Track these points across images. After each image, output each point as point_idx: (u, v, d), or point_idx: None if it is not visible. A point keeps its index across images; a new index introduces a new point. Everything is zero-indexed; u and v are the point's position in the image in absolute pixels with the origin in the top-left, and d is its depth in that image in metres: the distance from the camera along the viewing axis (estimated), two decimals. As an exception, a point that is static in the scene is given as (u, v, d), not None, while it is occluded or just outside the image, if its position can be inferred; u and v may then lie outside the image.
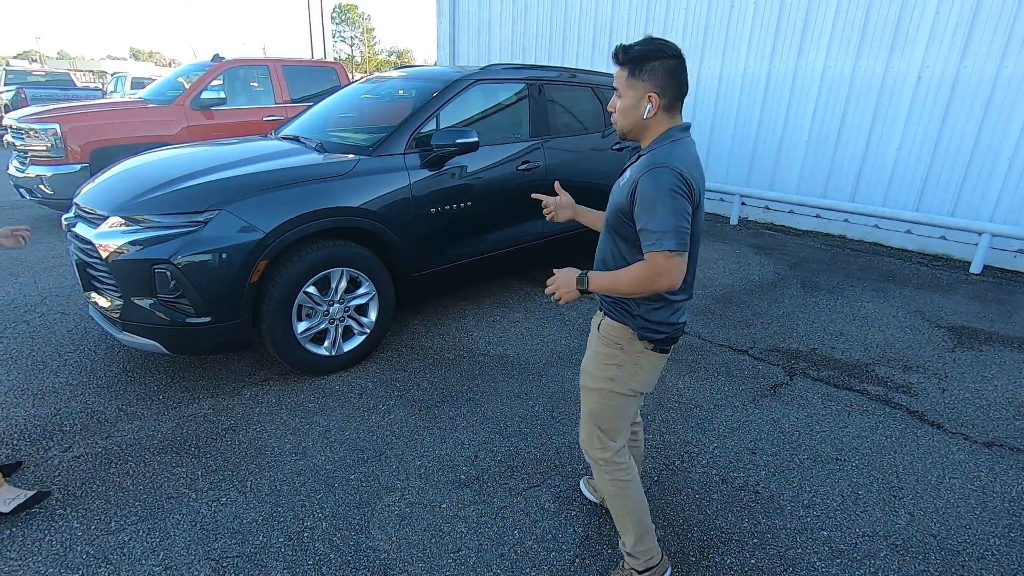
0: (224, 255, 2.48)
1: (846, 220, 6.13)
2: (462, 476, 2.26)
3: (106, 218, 2.57)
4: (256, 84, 7.04)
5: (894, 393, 3.01)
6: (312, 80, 7.05)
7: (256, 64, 6.81)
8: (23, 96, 12.76)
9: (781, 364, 3.30)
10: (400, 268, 3.13)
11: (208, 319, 2.53)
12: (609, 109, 1.55)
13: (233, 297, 2.54)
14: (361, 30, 62.95)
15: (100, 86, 19.57)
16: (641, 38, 1.51)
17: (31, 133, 5.34)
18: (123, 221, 2.53)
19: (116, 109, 5.84)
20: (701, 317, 3.92)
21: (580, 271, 1.48)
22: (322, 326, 2.89)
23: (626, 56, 1.48)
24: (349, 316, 3.00)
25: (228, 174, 2.69)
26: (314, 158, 3.01)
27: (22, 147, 5.47)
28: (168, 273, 2.44)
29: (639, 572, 1.71)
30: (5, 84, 14.38)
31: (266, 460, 2.31)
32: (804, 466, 2.39)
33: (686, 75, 1.49)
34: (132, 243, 2.46)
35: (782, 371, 3.22)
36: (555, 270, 1.52)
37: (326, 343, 2.93)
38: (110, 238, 2.51)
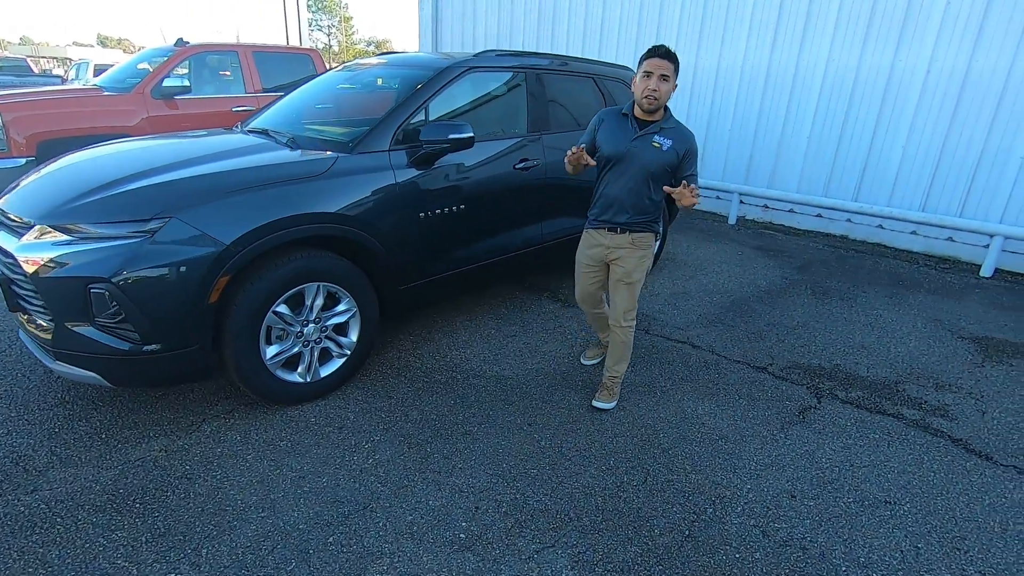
0: (176, 272, 2.08)
1: (849, 220, 5.90)
2: (462, 535, 1.92)
3: (32, 226, 2.15)
4: (227, 73, 6.55)
5: (932, 417, 2.75)
6: (286, 68, 6.56)
7: (225, 50, 6.31)
8: (-26, 83, 11.98)
9: (805, 384, 3.01)
10: (385, 280, 2.76)
11: (157, 347, 2.14)
12: (655, 87, 2.25)
13: (187, 321, 2.15)
14: (338, 19, 61.51)
15: (62, 74, 18.58)
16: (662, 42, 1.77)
17: (-31, 123, 4.80)
18: (52, 230, 2.11)
19: (67, 97, 5.31)
20: (713, 328, 3.62)
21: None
22: (295, 349, 2.51)
23: (673, 54, 2.26)
24: (327, 337, 2.62)
25: (181, 174, 2.28)
26: (285, 156, 2.61)
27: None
28: (107, 294, 2.03)
29: (618, 382, 2.71)
30: (-45, 69, 13.48)
31: (227, 519, 1.94)
32: (851, 512, 2.10)
33: None
34: (63, 257, 2.05)
35: (808, 392, 2.93)
36: (684, 183, 2.14)
37: (300, 368, 2.55)
38: (36, 251, 2.09)
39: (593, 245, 2.54)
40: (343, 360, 2.70)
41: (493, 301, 3.86)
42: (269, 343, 2.44)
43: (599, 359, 3.06)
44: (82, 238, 2.08)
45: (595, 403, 2.68)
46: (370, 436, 2.41)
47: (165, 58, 5.85)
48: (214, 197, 2.19)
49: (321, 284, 2.49)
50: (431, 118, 2.93)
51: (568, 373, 3.01)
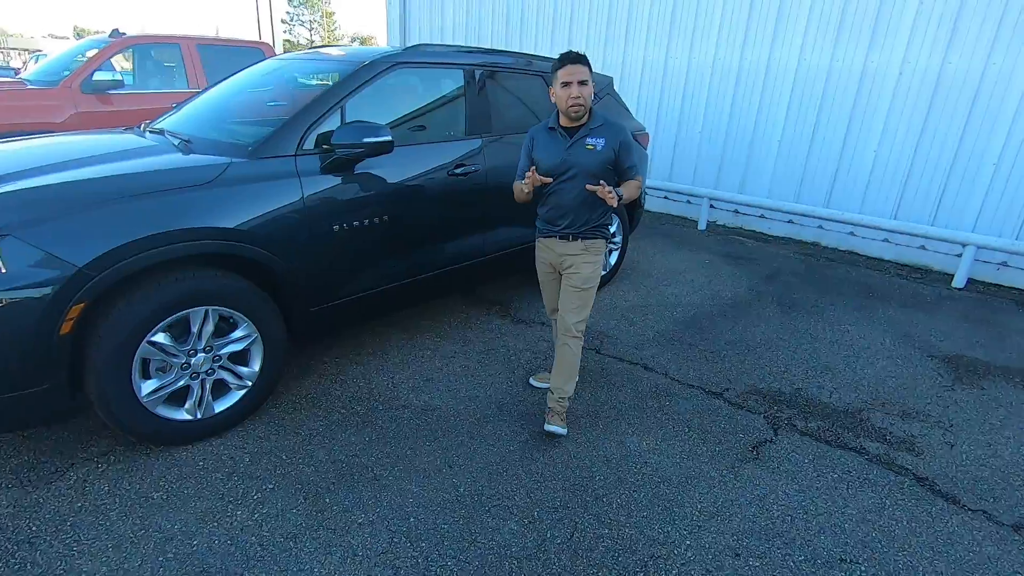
0: (14, 299, 1.76)
1: (820, 227, 5.70)
2: (344, 616, 1.62)
3: None
4: (172, 64, 6.16)
5: (897, 452, 2.51)
6: (233, 62, 6.13)
7: (165, 42, 5.91)
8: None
9: (763, 412, 2.76)
10: (293, 302, 2.45)
11: (-5, 388, 1.81)
12: (577, 94, 2.19)
13: (32, 356, 1.82)
14: (320, 14, 60.54)
15: (20, 66, 17.83)
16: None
17: None
18: None
19: (-15, 91, 4.90)
20: (669, 348, 3.36)
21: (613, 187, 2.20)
22: (180, 383, 2.19)
23: (584, 57, 2.23)
24: (221, 367, 2.30)
25: (27, 183, 1.95)
26: (169, 160, 2.29)
27: None
28: (-74, 327, 1.71)
29: (566, 404, 2.48)
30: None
31: (62, 599, 1.63)
32: (802, 574, 1.84)
33: None
34: None
35: (765, 422, 2.68)
36: (602, 184, 2.14)
37: (188, 404, 2.23)
38: None
39: (546, 252, 2.49)
40: (243, 392, 2.39)
41: (436, 317, 3.56)
42: (147, 377, 2.12)
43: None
44: (-101, 260, 1.75)
45: (548, 427, 2.42)
46: (262, 484, 2.11)
47: (98, 50, 5.45)
48: (65, 211, 1.86)
49: (210, 308, 2.17)
50: (351, 119, 2.62)
51: (503, 401, 2.72)
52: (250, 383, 2.39)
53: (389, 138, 2.44)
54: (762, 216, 6.09)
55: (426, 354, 3.14)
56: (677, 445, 2.47)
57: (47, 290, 1.79)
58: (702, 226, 6.23)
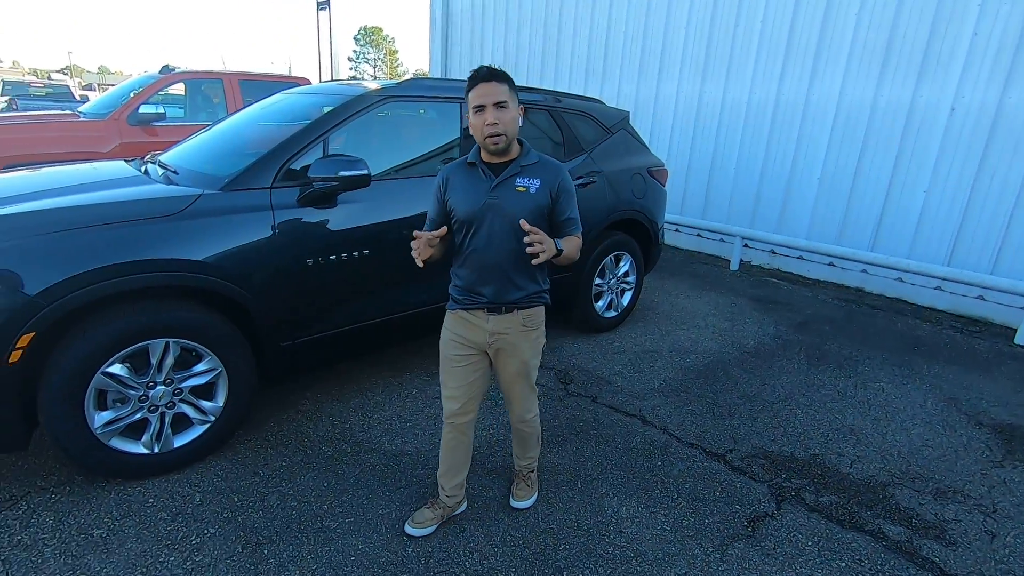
0: (-40, 327, 1.76)
1: (864, 271, 5.27)
2: None
3: None
4: (216, 99, 6.49)
5: (923, 539, 2.16)
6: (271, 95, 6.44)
7: (209, 77, 6.24)
8: (15, 106, 12.56)
9: (768, 480, 2.46)
10: (264, 336, 2.39)
11: (-59, 414, 1.81)
12: (493, 121, 1.69)
13: (-22, 384, 1.82)
14: (384, 52, 63.71)
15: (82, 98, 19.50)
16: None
17: (-63, 146, 4.78)
18: None
19: (39, 122, 5.27)
20: (673, 400, 3.10)
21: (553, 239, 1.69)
22: (137, 416, 2.15)
23: (500, 73, 1.73)
24: (182, 400, 2.25)
25: (-7, 212, 1.98)
26: (143, 191, 2.30)
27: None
28: None
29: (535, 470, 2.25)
30: (1, 94, 14.23)
31: (-35, 643, 1.56)
32: None
33: None
34: None
35: (768, 492, 2.38)
36: (535, 230, 1.60)
37: (144, 437, 2.18)
38: None
39: (467, 329, 1.88)
40: (205, 427, 2.32)
41: (426, 354, 3.44)
42: (103, 408, 2.08)
43: (434, 527, 2.05)
44: None
45: (515, 503, 2.19)
46: (205, 528, 2.01)
47: (147, 85, 5.80)
48: (23, 239, 1.87)
49: (171, 340, 2.13)
50: (337, 151, 2.59)
51: (480, 449, 2.55)
52: (213, 418, 2.33)
53: (366, 172, 2.38)
54: (800, 258, 5.71)
55: (411, 394, 3.01)
56: (661, 514, 2.22)
57: (-4, 318, 1.79)
58: (734, 266, 5.91)
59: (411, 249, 1.69)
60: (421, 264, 1.69)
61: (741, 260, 5.96)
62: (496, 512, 2.17)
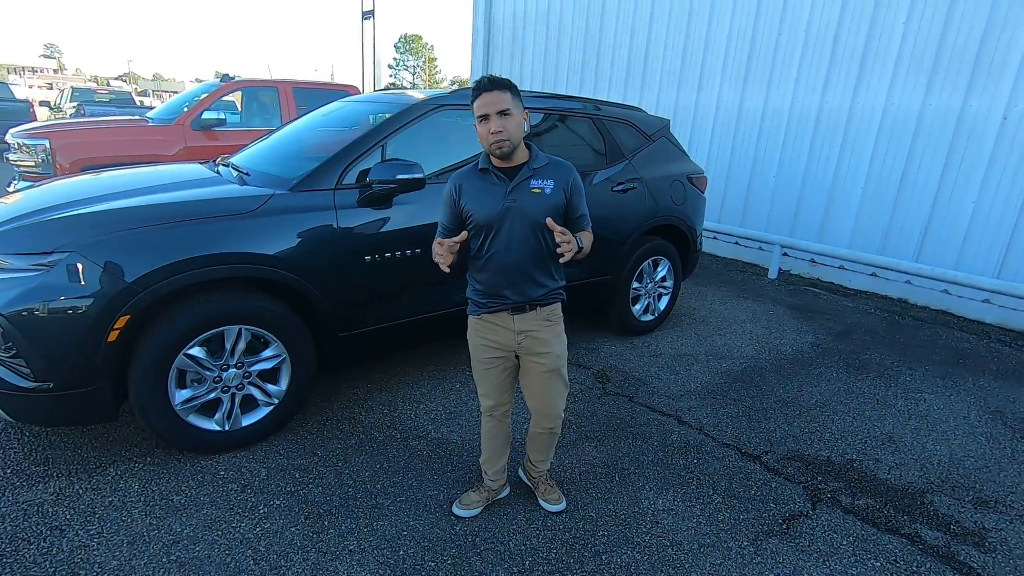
0: (69, 308, 1.99)
1: (908, 282, 5.19)
2: (312, 642, 1.63)
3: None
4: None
5: (961, 545, 2.18)
6: (323, 102, 6.73)
7: (266, 85, 6.59)
8: (83, 112, 13.41)
9: (804, 481, 2.51)
10: (324, 327, 2.58)
11: (50, 384, 2.04)
12: (499, 128, 1.75)
13: (82, 360, 2.04)
14: (424, 59, 64.94)
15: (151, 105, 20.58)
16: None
17: (23, 148, 5.21)
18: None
19: (112, 127, 5.68)
20: (710, 401, 3.16)
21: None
22: (212, 395, 2.36)
23: (502, 81, 1.77)
24: (251, 383, 2.45)
25: (95, 208, 2.22)
26: (221, 191, 2.53)
27: (15, 162, 5.36)
28: (0, 328, 1.97)
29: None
30: (71, 101, 15.22)
31: (71, 586, 1.76)
32: (813, 672, 1.63)
33: None
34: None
35: (803, 493, 2.43)
36: (564, 230, 1.72)
37: (217, 415, 2.39)
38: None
39: (494, 332, 1.96)
40: (270, 409, 2.52)
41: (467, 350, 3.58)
42: (184, 386, 2.30)
43: (479, 509, 2.19)
44: (-8, 268, 2.04)
45: (551, 507, 2.22)
46: (271, 499, 2.19)
47: (208, 92, 6.16)
48: (119, 232, 2.10)
49: (243, 327, 2.34)
50: (394, 156, 2.76)
51: (517, 442, 2.67)
52: (277, 400, 2.52)
53: (421, 176, 2.54)
54: (842, 267, 5.65)
55: (455, 387, 3.16)
56: (697, 508, 2.30)
57: (99, 302, 2.01)
58: (773, 274, 5.88)
59: (434, 255, 1.78)
60: (447, 270, 1.77)
61: (780, 269, 5.93)
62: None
